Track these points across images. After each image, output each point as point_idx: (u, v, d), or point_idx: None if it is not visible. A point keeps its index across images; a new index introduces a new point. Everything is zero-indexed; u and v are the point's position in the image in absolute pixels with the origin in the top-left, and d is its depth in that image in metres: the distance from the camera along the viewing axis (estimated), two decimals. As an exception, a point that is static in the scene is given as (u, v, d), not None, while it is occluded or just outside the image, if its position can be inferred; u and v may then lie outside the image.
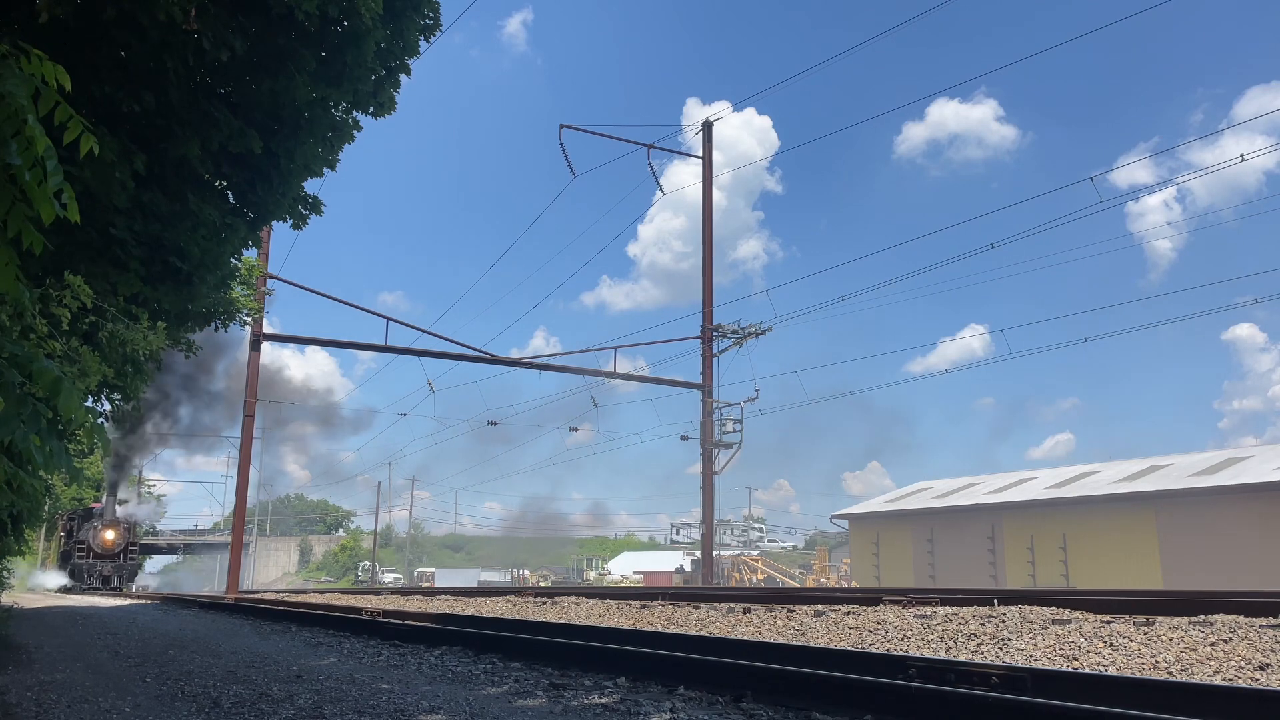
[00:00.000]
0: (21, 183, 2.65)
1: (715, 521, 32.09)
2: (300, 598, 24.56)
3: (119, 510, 44.68)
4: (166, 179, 5.56)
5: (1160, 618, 8.01)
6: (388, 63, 5.99)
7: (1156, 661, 6.36)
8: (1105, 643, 6.92)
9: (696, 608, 12.40)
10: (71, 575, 43.35)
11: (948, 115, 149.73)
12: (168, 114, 5.12)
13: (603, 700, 5.20)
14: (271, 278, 26.03)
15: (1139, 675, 6.01)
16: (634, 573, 72.53)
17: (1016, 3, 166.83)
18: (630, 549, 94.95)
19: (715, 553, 33.65)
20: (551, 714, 4.85)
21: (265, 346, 28.12)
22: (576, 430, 34.46)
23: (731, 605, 12.11)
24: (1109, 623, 7.77)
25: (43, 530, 47.64)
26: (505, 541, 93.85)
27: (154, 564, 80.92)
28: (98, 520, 43.30)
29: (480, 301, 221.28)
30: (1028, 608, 9.08)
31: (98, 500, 45.56)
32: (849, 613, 10.14)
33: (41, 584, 48.18)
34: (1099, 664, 6.49)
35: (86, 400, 9.10)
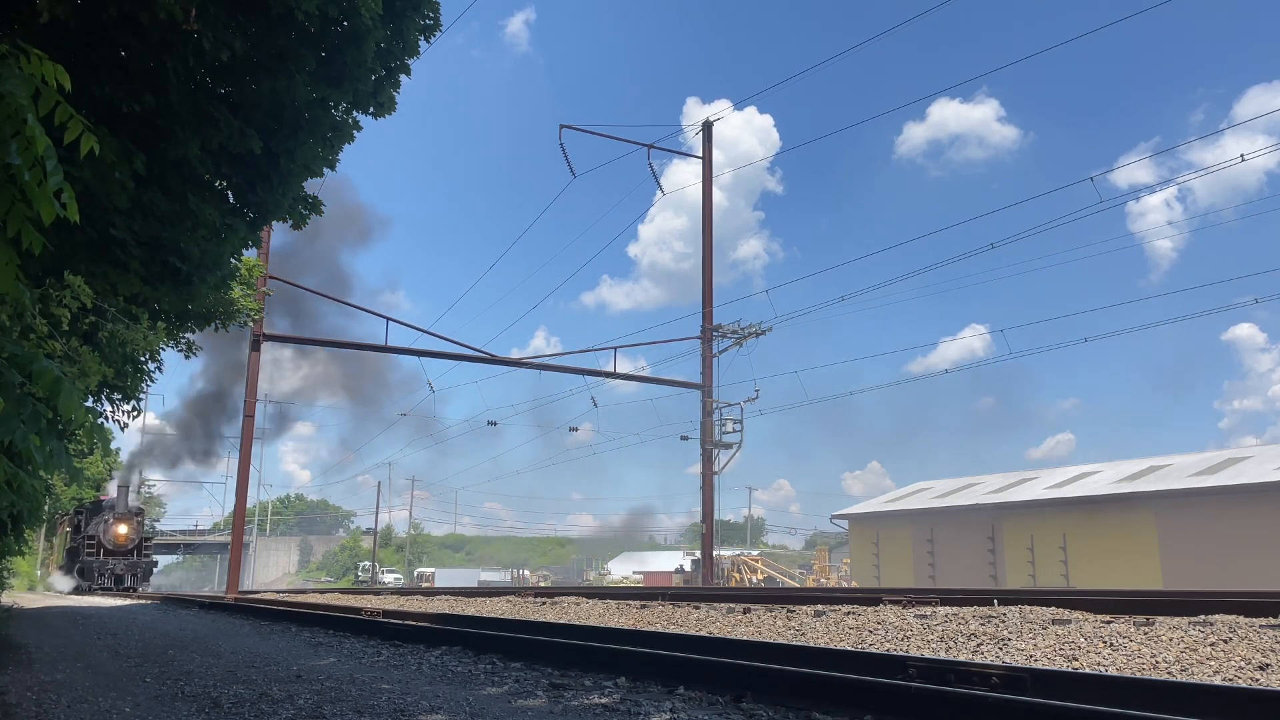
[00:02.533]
0: (21, 183, 2.65)
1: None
2: (300, 598, 24.56)
3: (131, 500, 40.99)
4: (166, 179, 5.56)
5: (1160, 618, 8.00)
6: (388, 63, 5.99)
7: (1156, 661, 6.35)
8: (1105, 643, 6.92)
9: (696, 608, 12.40)
10: (80, 574, 39.41)
11: (948, 115, 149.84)
12: (168, 114, 5.12)
13: (603, 700, 5.20)
14: (272, 278, 26.05)
15: (1139, 675, 6.01)
16: (634, 573, 72.54)
17: (1016, 3, 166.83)
18: (630, 549, 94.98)
19: (715, 552, 33.66)
20: (551, 714, 4.85)
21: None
22: (576, 430, 34.59)
23: (731, 605, 12.11)
24: (1109, 623, 7.77)
25: (42, 530, 46.30)
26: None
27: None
28: (109, 513, 39.29)
29: (480, 301, 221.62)
30: (1028, 608, 9.08)
31: (102, 495, 42.67)
32: (849, 613, 10.14)
33: (51, 585, 46.76)
34: (1099, 664, 6.49)
35: (86, 400, 9.11)
